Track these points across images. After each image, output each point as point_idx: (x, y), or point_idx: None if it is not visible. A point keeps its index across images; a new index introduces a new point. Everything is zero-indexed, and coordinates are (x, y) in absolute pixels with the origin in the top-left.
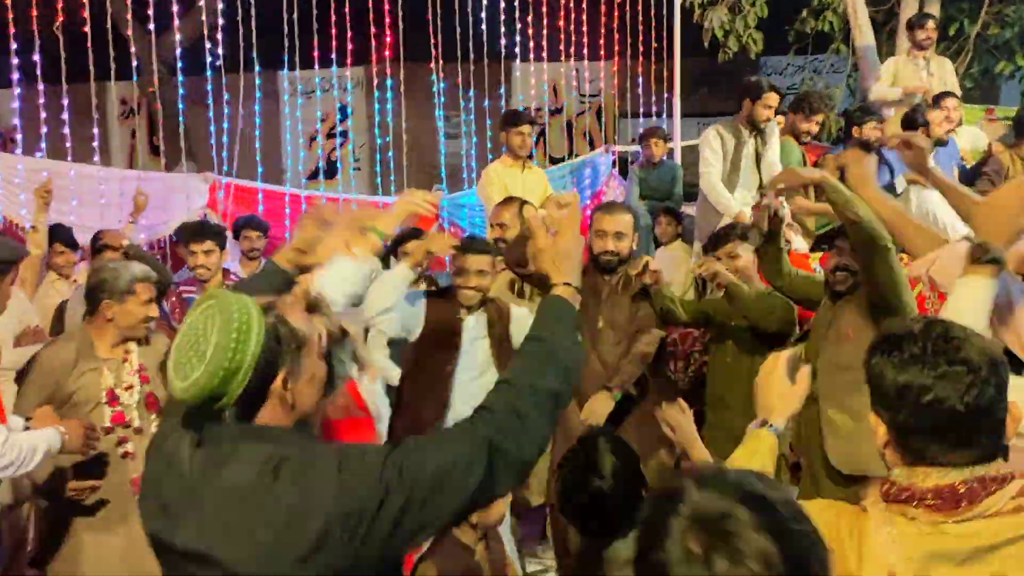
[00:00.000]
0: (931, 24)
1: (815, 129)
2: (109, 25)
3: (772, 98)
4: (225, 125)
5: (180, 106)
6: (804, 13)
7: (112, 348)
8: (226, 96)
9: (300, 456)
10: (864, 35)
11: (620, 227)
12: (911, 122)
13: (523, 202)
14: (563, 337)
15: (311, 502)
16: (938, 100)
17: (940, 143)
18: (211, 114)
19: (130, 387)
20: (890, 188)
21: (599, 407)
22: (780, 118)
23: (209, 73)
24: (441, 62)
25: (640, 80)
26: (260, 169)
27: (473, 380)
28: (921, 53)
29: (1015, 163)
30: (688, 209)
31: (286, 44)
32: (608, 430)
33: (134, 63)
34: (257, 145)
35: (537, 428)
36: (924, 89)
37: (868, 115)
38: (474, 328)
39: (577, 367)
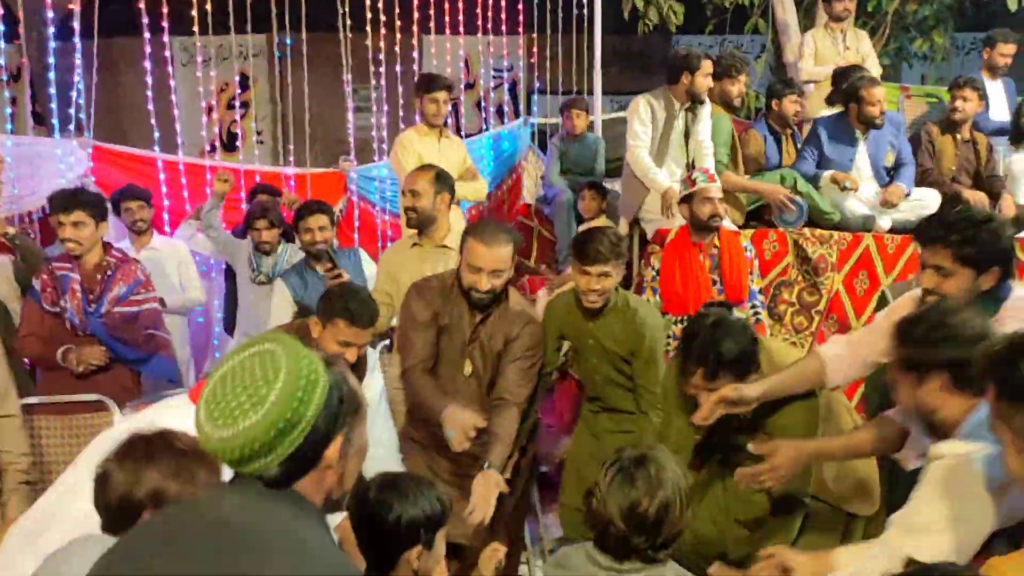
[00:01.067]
0: None
1: (743, 89)
2: None
3: (709, 66)
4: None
5: (52, 74)
6: None
7: None
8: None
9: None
10: (786, 8)
11: (499, 264)
12: (848, 88)
13: (439, 171)
14: None
15: None
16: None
17: (873, 126)
18: (93, 82)
19: None
20: (814, 177)
21: (489, 494)
22: None
23: (95, 39)
24: (350, 34)
25: (560, 55)
26: (157, 135)
27: None
28: (838, 26)
29: (943, 138)
30: (610, 184)
31: (173, 9)
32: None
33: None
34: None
35: None
36: (850, 63)
37: (789, 89)
38: None
39: None
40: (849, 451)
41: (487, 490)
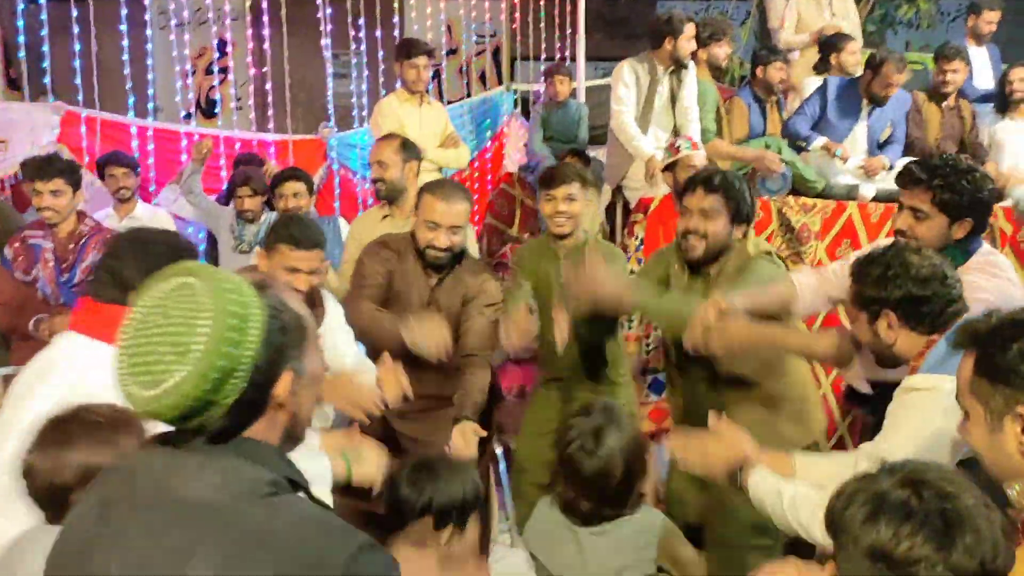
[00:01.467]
0: None
1: (729, 51)
2: None
3: (692, 29)
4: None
5: (21, 38)
6: None
7: None
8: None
9: (291, 504)
10: None
11: (457, 219)
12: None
13: (404, 139)
14: None
15: (279, 549)
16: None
17: (879, 102)
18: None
19: None
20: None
21: (469, 442)
22: None
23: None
24: None
25: (543, 21)
26: (132, 101)
27: None
28: None
29: (929, 105)
30: (593, 152)
31: None
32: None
33: None
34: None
35: None
36: (834, 30)
37: (774, 55)
38: None
39: None
40: (804, 349)
41: (466, 437)
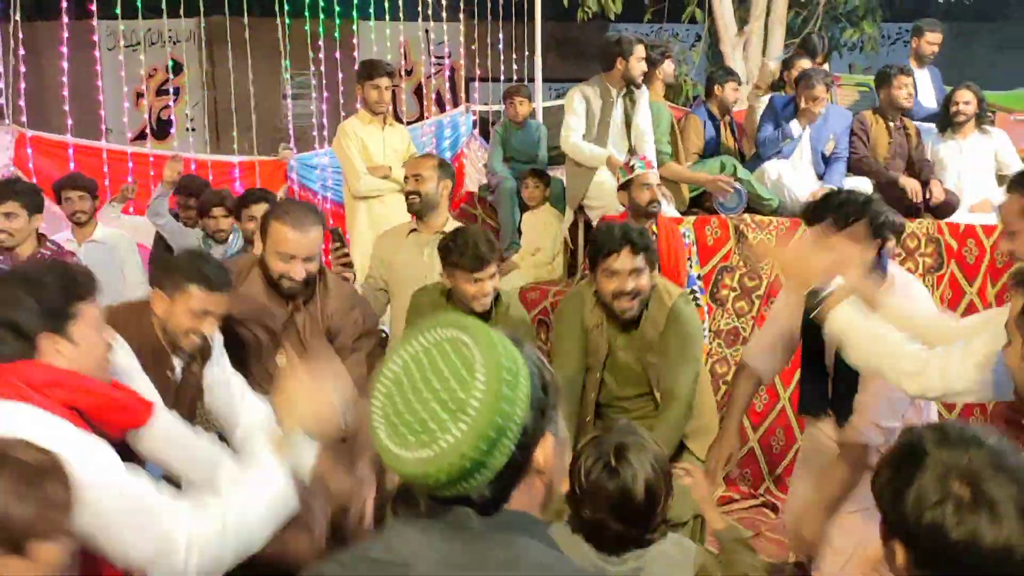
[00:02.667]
0: None
1: (673, 65)
2: None
3: (642, 49)
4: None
5: None
6: None
7: None
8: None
9: None
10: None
11: (313, 249)
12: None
13: (442, 159)
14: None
15: None
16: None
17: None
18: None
19: None
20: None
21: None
22: None
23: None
24: (288, 19)
25: (499, 41)
26: (70, 124)
27: None
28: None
29: (878, 124)
30: (552, 172)
31: None
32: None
33: None
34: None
35: None
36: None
37: (729, 76)
38: None
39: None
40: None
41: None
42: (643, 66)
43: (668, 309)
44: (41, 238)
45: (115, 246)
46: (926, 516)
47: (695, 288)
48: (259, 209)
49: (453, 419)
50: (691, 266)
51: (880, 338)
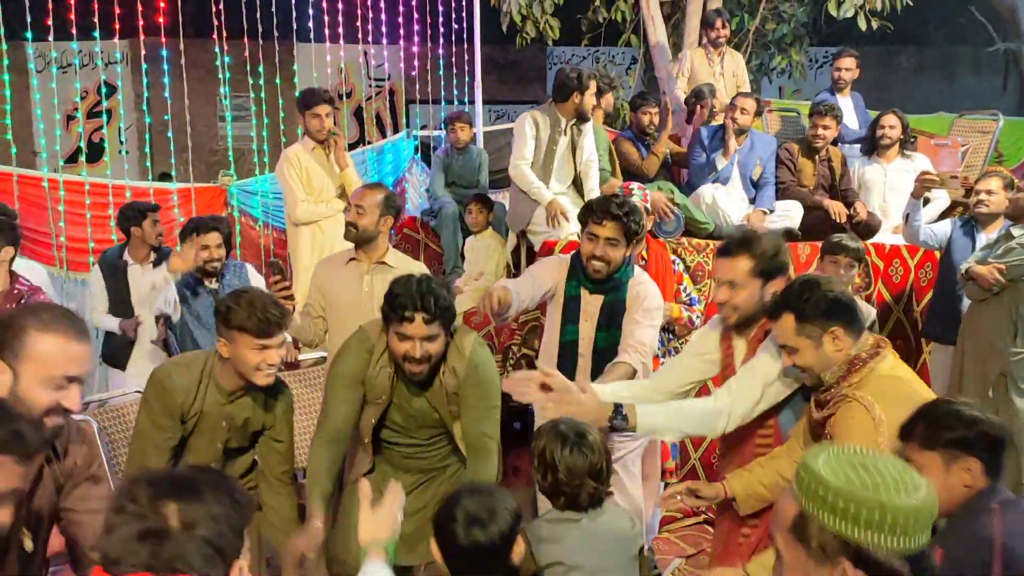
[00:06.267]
0: (720, 23)
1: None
2: None
3: (595, 85)
4: None
5: None
6: (597, 2)
7: None
8: None
9: None
10: (656, 27)
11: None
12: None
13: (389, 193)
14: None
15: None
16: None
17: (740, 132)
18: None
19: None
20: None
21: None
22: None
23: None
24: (225, 39)
25: (440, 65)
26: (13, 151)
27: None
28: (716, 50)
29: (803, 155)
30: (493, 196)
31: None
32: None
33: None
34: (7, 122)
35: None
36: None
37: (644, 101)
38: None
39: None
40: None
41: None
42: (594, 101)
43: (467, 358)
44: (12, 275)
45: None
46: None
47: (696, 308)
48: (213, 238)
49: (910, 496)
50: (687, 288)
51: (678, 412)
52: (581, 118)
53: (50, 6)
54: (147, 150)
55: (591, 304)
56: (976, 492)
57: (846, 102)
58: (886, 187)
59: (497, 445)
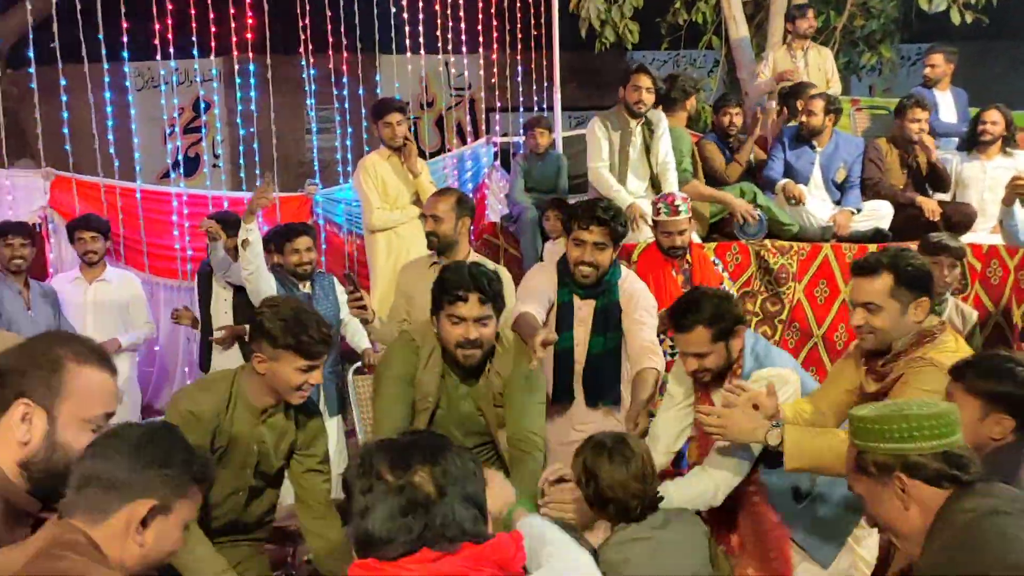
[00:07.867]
0: (811, 13)
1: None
2: None
3: (640, 79)
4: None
5: None
6: (677, 4)
7: None
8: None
9: None
10: (738, 27)
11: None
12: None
13: (460, 195)
14: None
15: None
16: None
17: (813, 133)
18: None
19: None
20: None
21: None
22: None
23: (60, 64)
24: (311, 53)
25: (518, 73)
26: (116, 164)
27: None
28: (801, 43)
29: (892, 152)
30: (574, 200)
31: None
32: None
33: None
34: (109, 138)
35: None
36: (791, 71)
37: (725, 103)
38: None
39: None
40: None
41: None
42: (638, 95)
43: (512, 358)
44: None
45: (122, 287)
46: None
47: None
48: (303, 242)
49: None
50: (726, 288)
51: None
52: (631, 113)
53: (155, 27)
54: (241, 161)
55: (583, 309)
56: (1004, 444)
57: (944, 97)
58: (985, 185)
59: (544, 443)
